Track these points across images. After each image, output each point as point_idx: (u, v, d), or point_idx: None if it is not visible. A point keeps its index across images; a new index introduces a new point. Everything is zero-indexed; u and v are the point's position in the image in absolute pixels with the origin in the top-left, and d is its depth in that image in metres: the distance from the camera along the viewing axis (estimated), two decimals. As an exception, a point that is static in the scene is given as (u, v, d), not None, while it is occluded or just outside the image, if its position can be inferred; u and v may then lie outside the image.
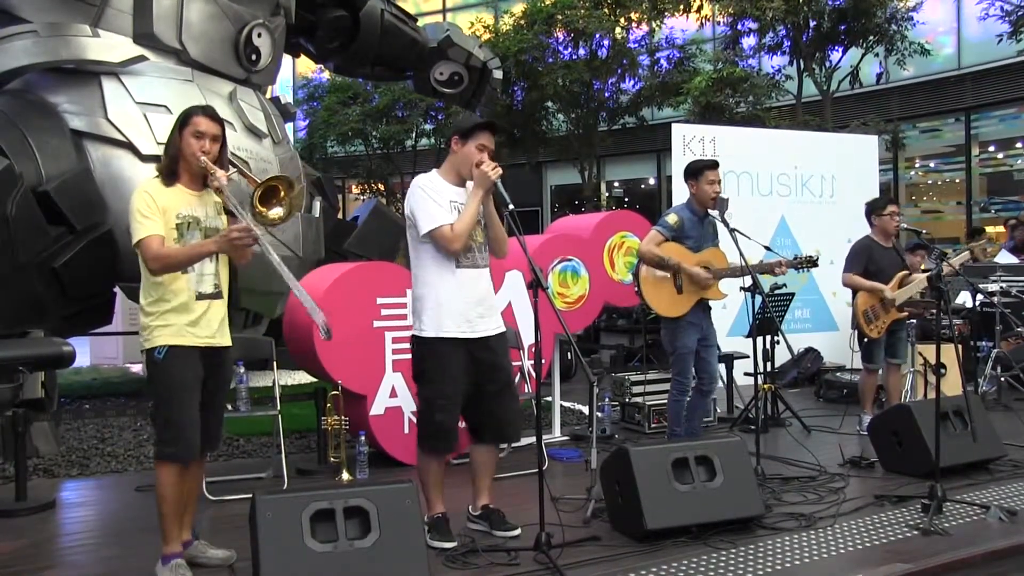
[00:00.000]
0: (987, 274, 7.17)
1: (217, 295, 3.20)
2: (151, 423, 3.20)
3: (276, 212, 3.13)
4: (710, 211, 4.73)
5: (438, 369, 3.43)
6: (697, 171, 4.70)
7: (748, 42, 12.03)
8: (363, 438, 4.59)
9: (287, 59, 8.64)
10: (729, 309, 7.33)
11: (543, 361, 4.96)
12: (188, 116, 3.16)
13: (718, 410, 6.14)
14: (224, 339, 3.23)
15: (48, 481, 4.65)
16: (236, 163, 3.29)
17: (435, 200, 3.43)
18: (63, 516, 4.06)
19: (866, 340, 5.52)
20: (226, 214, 3.22)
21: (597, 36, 12.51)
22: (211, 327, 3.16)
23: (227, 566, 3.22)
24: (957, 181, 14.17)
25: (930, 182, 14.85)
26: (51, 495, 4.28)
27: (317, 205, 7.40)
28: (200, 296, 3.13)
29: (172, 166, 3.15)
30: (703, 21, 12.55)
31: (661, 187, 16.85)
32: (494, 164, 3.40)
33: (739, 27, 11.65)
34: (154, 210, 3.05)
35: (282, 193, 3.13)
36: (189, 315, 3.09)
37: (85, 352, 9.40)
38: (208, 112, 3.19)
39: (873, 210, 5.65)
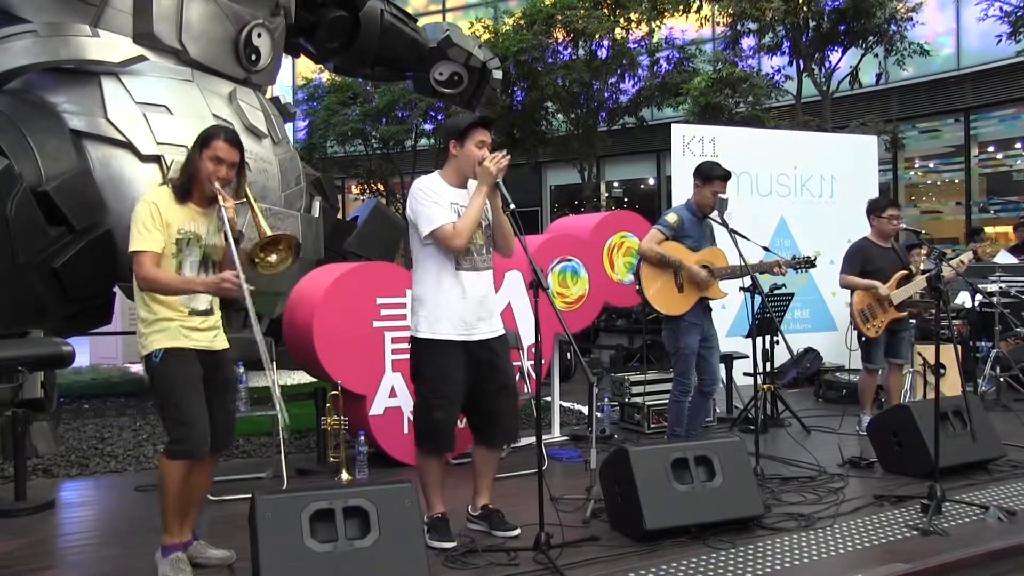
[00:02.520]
0: (986, 274, 7.18)
1: (210, 311, 3.22)
2: (163, 426, 3.21)
3: (272, 258, 3.14)
4: (706, 213, 4.74)
5: (435, 369, 3.43)
6: (709, 177, 4.66)
7: (748, 43, 12.03)
8: (363, 438, 4.59)
9: (287, 61, 8.64)
10: (729, 309, 7.33)
11: (543, 361, 4.96)
12: (209, 138, 3.14)
13: (718, 410, 6.14)
14: (220, 343, 3.25)
15: (47, 481, 4.65)
16: (249, 199, 3.25)
17: (436, 201, 3.42)
18: (62, 516, 4.06)
19: (864, 340, 5.53)
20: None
21: (596, 37, 12.51)
22: (207, 336, 3.18)
23: (227, 566, 3.22)
24: (956, 181, 14.17)
25: (929, 182, 14.85)
26: (50, 495, 4.28)
27: (317, 205, 7.40)
28: (193, 312, 3.15)
29: (187, 184, 3.14)
30: (703, 22, 12.55)
31: (661, 187, 16.85)
32: (496, 157, 3.38)
33: (738, 28, 11.64)
34: (157, 223, 3.05)
35: (281, 244, 3.14)
36: (179, 323, 3.11)
37: (85, 352, 9.39)
38: (229, 138, 3.16)
39: (872, 211, 5.66)
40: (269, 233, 3.11)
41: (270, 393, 4.56)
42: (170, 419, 3.09)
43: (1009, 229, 11.41)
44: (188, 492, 3.14)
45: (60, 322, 5.68)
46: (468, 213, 3.41)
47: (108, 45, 5.86)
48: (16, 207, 5.06)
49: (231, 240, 3.08)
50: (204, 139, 3.14)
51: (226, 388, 3.28)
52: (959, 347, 6.29)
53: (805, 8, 10.99)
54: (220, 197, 3.08)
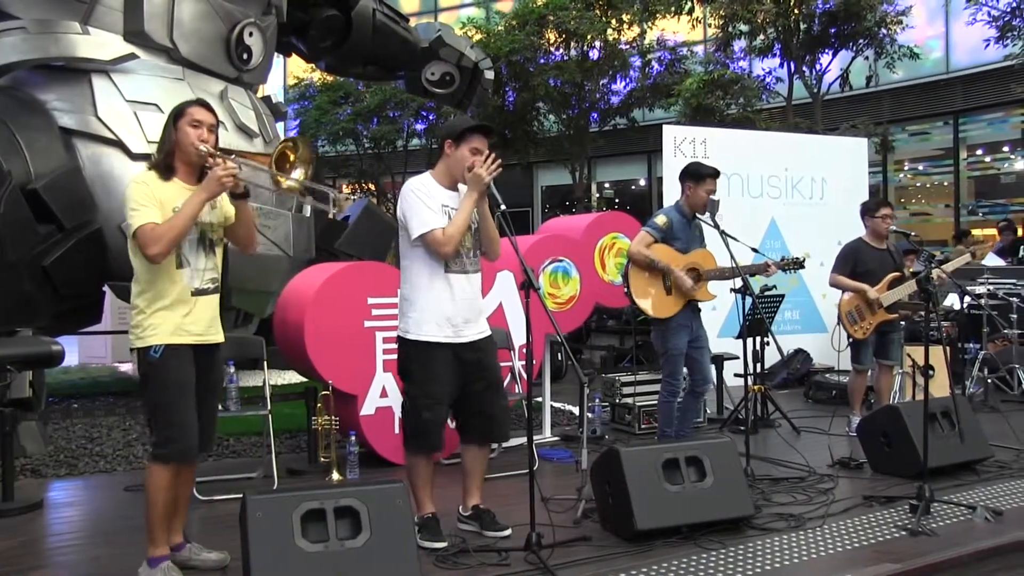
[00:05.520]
0: (974, 276, 7.23)
1: (209, 291, 3.14)
2: (147, 424, 3.16)
3: (297, 174, 3.08)
4: (698, 213, 4.75)
5: (423, 370, 3.43)
6: (699, 177, 4.65)
7: (740, 44, 12.07)
8: (353, 438, 4.58)
9: (279, 60, 8.62)
10: (719, 310, 7.35)
11: (534, 362, 4.96)
12: (182, 108, 3.11)
13: (708, 411, 6.16)
14: (216, 336, 3.19)
15: (36, 481, 4.62)
16: (233, 153, 3.23)
17: (427, 204, 3.42)
18: (51, 516, 4.04)
19: (853, 340, 5.55)
20: (234, 198, 3.15)
21: (588, 38, 12.53)
22: (201, 323, 3.10)
23: (220, 568, 3.19)
24: (945, 184, 14.25)
25: (919, 185, 14.93)
26: (39, 495, 4.25)
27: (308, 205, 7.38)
28: (196, 292, 3.08)
29: (168, 161, 3.09)
30: (694, 23, 12.59)
31: (652, 188, 16.88)
32: (489, 164, 3.38)
33: (730, 30, 11.68)
34: (150, 199, 2.98)
35: (292, 157, 3.08)
36: (182, 310, 3.05)
37: (74, 351, 9.35)
38: (202, 102, 3.15)
39: (867, 211, 5.68)
40: (271, 154, 3.08)
41: (260, 392, 4.60)
42: (161, 420, 3.03)
43: (996, 232, 11.49)
44: (173, 500, 3.09)
45: (49, 321, 5.65)
46: (457, 219, 3.40)
47: (98, 43, 5.83)
48: (5, 205, 5.03)
49: (249, 181, 3.03)
50: (177, 111, 3.11)
51: (214, 390, 3.25)
52: (948, 348, 6.34)
53: (796, 11, 11.04)
54: (211, 157, 3.02)
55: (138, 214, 2.96)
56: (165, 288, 3.03)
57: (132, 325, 3.08)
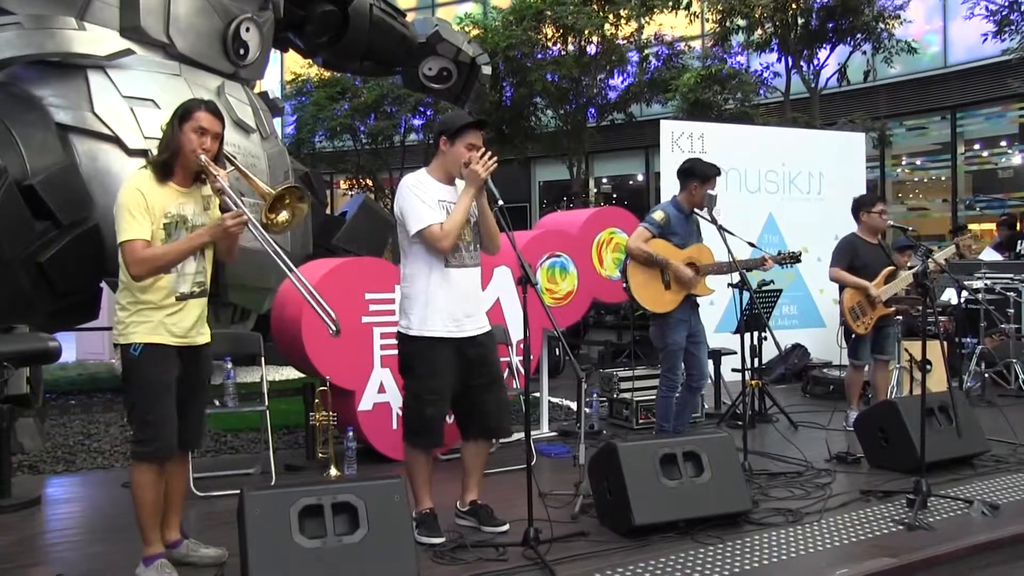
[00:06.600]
0: (972, 271, 7.24)
1: (196, 295, 3.10)
2: (129, 422, 3.13)
3: (283, 216, 3.03)
4: (696, 209, 4.75)
5: (424, 364, 3.43)
6: (707, 178, 4.64)
7: (737, 39, 12.06)
8: (351, 434, 4.58)
9: (276, 56, 8.60)
10: (717, 305, 7.36)
11: (531, 357, 4.96)
12: (189, 111, 3.03)
13: (706, 406, 6.16)
14: (201, 337, 3.14)
15: (33, 477, 4.62)
16: (235, 163, 3.19)
17: (423, 200, 3.42)
18: (48, 513, 4.04)
19: (853, 336, 5.56)
20: (220, 210, 3.11)
21: (586, 33, 12.52)
22: (185, 325, 3.05)
23: (218, 564, 3.19)
24: (943, 178, 14.26)
25: (916, 179, 14.94)
26: (36, 491, 4.25)
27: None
28: (181, 297, 3.04)
29: (169, 162, 3.01)
30: (692, 18, 12.59)
31: (649, 183, 16.87)
32: (485, 160, 3.37)
33: (727, 24, 11.66)
34: (143, 209, 2.93)
35: (287, 200, 3.02)
36: (166, 312, 3.01)
37: (71, 347, 9.34)
38: (210, 108, 3.06)
39: (861, 207, 5.67)
40: (273, 191, 2.98)
41: (258, 389, 4.60)
42: (139, 418, 2.99)
43: (994, 226, 11.51)
44: (161, 498, 3.06)
45: (46, 317, 5.64)
46: (455, 214, 3.40)
47: (94, 38, 5.82)
48: (1, 201, 5.02)
49: (234, 197, 2.96)
50: (184, 112, 3.02)
51: (201, 387, 3.19)
52: (945, 343, 6.34)
53: (794, 5, 11.03)
54: (211, 168, 2.97)
55: (128, 226, 2.91)
56: (149, 290, 2.99)
57: (115, 321, 3.05)
